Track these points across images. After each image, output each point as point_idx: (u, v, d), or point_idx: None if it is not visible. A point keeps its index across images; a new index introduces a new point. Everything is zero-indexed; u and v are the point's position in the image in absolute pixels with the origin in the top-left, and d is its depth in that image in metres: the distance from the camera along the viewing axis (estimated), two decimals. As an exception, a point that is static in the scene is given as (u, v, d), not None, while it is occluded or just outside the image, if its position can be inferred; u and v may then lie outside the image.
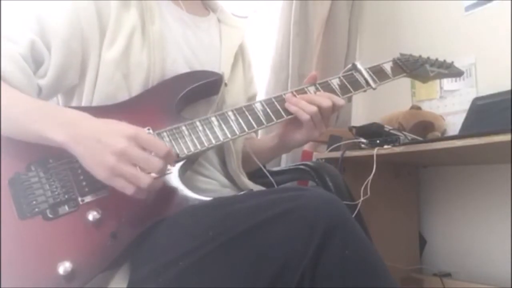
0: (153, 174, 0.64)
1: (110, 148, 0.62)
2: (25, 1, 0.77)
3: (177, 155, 0.72)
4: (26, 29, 0.75)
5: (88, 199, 0.67)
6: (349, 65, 0.96)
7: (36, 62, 0.76)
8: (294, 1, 1.76)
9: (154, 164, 0.63)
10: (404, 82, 1.21)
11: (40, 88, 0.76)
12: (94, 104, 0.79)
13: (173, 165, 0.70)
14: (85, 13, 0.78)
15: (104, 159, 0.62)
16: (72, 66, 0.78)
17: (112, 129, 0.64)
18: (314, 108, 0.83)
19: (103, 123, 0.66)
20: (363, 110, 2.04)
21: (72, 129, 0.65)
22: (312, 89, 0.89)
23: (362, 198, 1.06)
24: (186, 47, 0.89)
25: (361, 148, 1.40)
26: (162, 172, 0.65)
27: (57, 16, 0.76)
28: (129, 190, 0.62)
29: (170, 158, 0.65)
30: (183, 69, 0.86)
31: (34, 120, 0.66)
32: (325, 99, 0.84)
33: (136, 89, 0.80)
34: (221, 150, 0.91)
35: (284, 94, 0.87)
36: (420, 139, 1.45)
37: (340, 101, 0.86)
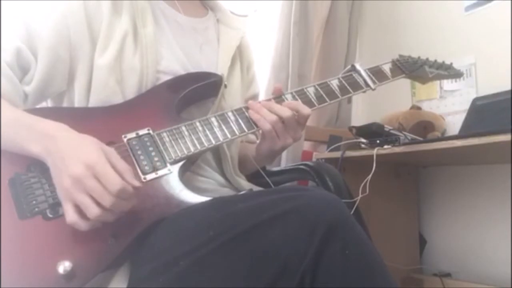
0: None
1: (67, 171, 0.61)
2: (13, 7, 0.77)
3: (140, 183, 0.67)
4: (13, 36, 0.75)
5: (88, 199, 0.67)
6: (349, 66, 0.96)
7: (23, 69, 0.76)
8: (294, 1, 1.76)
9: (105, 199, 0.61)
10: (404, 82, 1.21)
11: (26, 94, 0.77)
12: None
13: (128, 203, 0.65)
14: (74, 20, 0.78)
15: (62, 180, 0.62)
16: (59, 73, 0.78)
17: (76, 152, 0.63)
18: (273, 117, 0.80)
19: (74, 141, 0.65)
20: (363, 110, 2.05)
21: (46, 141, 0.65)
22: (311, 90, 0.89)
23: (360, 195, 1.06)
24: (180, 49, 0.88)
25: (361, 148, 1.40)
26: (115, 208, 0.62)
27: (44, 23, 0.77)
28: (71, 218, 0.61)
29: (125, 195, 0.62)
30: (178, 72, 0.86)
31: (14, 132, 0.67)
32: (285, 109, 0.81)
33: (130, 93, 0.80)
34: (217, 153, 0.91)
35: (284, 94, 0.87)
36: (420, 139, 1.45)
37: (304, 110, 0.83)
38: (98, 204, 0.61)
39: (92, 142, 0.66)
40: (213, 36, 0.97)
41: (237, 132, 0.81)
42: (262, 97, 1.17)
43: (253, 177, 1.00)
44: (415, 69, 1.03)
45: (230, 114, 0.82)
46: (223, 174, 0.91)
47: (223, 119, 0.81)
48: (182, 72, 0.86)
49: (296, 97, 0.87)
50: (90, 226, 0.62)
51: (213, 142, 0.78)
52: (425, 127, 1.58)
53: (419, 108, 1.71)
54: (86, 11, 0.79)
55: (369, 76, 0.95)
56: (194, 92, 0.85)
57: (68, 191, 0.61)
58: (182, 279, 0.61)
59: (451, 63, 1.13)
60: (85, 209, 0.61)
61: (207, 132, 0.79)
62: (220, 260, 0.61)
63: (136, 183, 0.64)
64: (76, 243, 0.64)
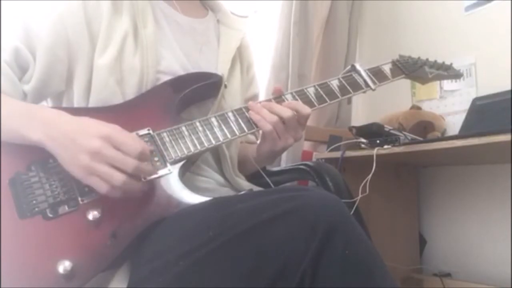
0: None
1: (84, 148, 0.63)
2: (13, 8, 0.78)
3: (151, 151, 0.72)
4: (11, 36, 0.76)
5: (88, 198, 0.67)
6: (349, 67, 0.96)
7: (21, 68, 0.77)
8: (294, 1, 1.76)
9: (128, 164, 0.64)
10: (404, 82, 1.22)
11: (25, 94, 0.77)
12: None
13: (149, 168, 0.69)
14: (73, 20, 0.78)
15: (79, 158, 0.63)
16: (57, 73, 0.79)
17: (87, 129, 0.65)
18: (274, 118, 0.80)
19: (78, 122, 0.67)
20: (363, 110, 2.05)
21: (48, 128, 0.66)
22: (312, 90, 0.89)
23: (360, 195, 1.06)
24: (180, 50, 0.88)
25: (361, 148, 1.40)
26: (138, 171, 0.65)
27: (42, 23, 0.77)
28: (102, 188, 0.64)
29: (144, 157, 0.66)
30: (177, 72, 0.86)
31: (13, 120, 0.67)
32: (286, 109, 0.81)
33: (130, 93, 0.80)
34: (217, 153, 0.91)
35: (284, 95, 0.87)
36: (420, 139, 1.45)
37: (305, 110, 0.83)
38: (121, 170, 0.63)
39: (96, 120, 0.68)
40: (213, 37, 0.98)
41: (237, 132, 0.81)
42: (262, 97, 1.17)
43: (253, 177, 0.99)
44: (415, 70, 1.03)
45: (230, 114, 0.82)
46: (222, 174, 0.91)
47: (223, 119, 0.81)
48: (182, 72, 0.86)
49: (296, 97, 0.87)
50: (122, 194, 0.65)
51: (213, 142, 0.78)
52: (425, 127, 1.58)
53: (419, 108, 1.71)
54: (86, 12, 0.79)
55: (369, 76, 0.95)
56: (194, 92, 0.85)
57: (87, 167, 0.63)
58: (182, 279, 0.61)
59: (451, 64, 1.13)
60: (110, 178, 0.63)
61: (207, 132, 0.79)
62: (220, 260, 0.61)
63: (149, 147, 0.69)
64: (76, 243, 0.64)
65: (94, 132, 0.64)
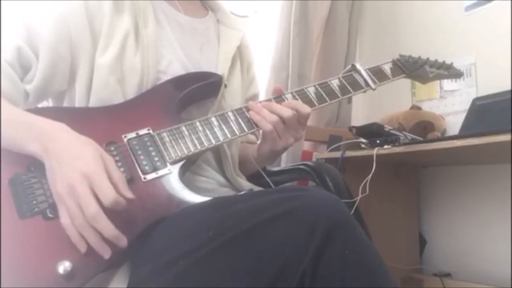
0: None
1: (63, 177, 0.62)
2: (13, 8, 0.78)
3: (127, 199, 0.64)
4: (13, 35, 0.75)
5: (88, 199, 0.67)
6: (349, 66, 0.96)
7: (23, 68, 0.77)
8: (294, 1, 1.76)
9: (89, 210, 0.60)
10: (404, 82, 1.22)
11: (28, 93, 0.77)
12: None
13: (109, 229, 0.62)
14: (75, 19, 0.78)
15: (56, 183, 0.62)
16: (60, 71, 0.78)
17: (75, 158, 0.63)
18: (274, 118, 0.80)
19: (73, 144, 0.65)
20: (363, 110, 2.05)
21: (45, 141, 0.65)
22: (312, 89, 0.89)
23: (360, 196, 1.06)
24: (181, 50, 0.89)
25: (361, 148, 1.40)
26: (93, 222, 0.61)
27: (44, 22, 0.77)
28: (63, 219, 0.62)
29: (116, 206, 0.62)
30: (178, 72, 0.86)
31: (13, 130, 0.67)
32: (286, 109, 0.81)
33: (130, 93, 0.80)
34: (217, 153, 0.91)
35: (284, 95, 0.87)
36: (420, 139, 1.45)
37: (305, 109, 0.83)
38: (83, 213, 0.60)
39: (92, 149, 0.65)
40: (213, 37, 0.98)
41: (237, 132, 0.81)
42: (262, 97, 1.17)
43: (253, 177, 0.99)
44: (415, 69, 1.03)
45: (230, 114, 0.82)
46: (223, 174, 0.91)
47: (223, 119, 0.81)
48: (182, 72, 0.86)
49: (297, 97, 0.87)
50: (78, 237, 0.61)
51: (213, 142, 0.78)
52: (425, 127, 1.58)
53: (419, 108, 1.71)
54: (87, 11, 0.79)
55: (369, 76, 0.95)
56: (194, 92, 0.85)
57: (61, 196, 0.61)
58: (182, 279, 0.61)
59: (452, 63, 1.13)
60: (72, 215, 0.61)
61: (207, 132, 0.79)
62: (220, 260, 0.61)
63: (129, 195, 0.64)
64: (76, 243, 0.64)
65: (78, 166, 0.62)
